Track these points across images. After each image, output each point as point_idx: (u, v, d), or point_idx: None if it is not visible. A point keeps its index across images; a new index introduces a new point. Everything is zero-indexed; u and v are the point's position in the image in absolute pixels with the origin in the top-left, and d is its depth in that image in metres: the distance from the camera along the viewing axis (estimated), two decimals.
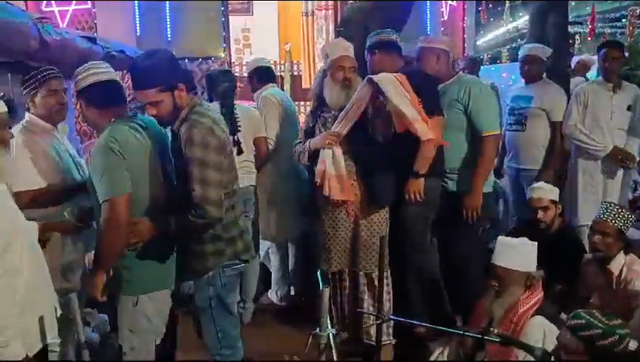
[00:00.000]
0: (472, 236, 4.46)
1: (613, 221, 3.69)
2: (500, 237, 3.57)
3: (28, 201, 3.10)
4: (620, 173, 5.35)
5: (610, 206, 3.80)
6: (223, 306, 3.26)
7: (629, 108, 5.34)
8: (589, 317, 2.48)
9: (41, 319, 2.76)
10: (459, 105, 4.30)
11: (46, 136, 3.44)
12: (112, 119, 3.06)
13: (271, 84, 5.24)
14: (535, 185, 4.59)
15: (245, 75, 6.13)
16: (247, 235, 3.39)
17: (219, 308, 3.25)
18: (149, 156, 3.05)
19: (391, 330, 4.18)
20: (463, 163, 4.38)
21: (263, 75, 5.23)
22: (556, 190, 4.46)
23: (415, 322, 3.69)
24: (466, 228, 4.34)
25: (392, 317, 3.53)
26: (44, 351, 2.86)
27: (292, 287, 5.45)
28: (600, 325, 2.43)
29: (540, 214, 4.39)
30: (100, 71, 3.14)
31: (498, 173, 6.30)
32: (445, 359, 3.69)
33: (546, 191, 4.39)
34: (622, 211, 3.73)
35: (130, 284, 3.11)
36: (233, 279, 3.30)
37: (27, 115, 3.42)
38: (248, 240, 3.38)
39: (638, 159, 5.39)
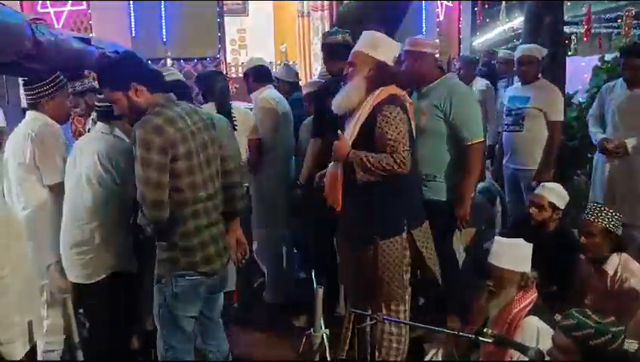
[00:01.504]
0: (447, 241, 4.42)
1: (597, 220, 3.67)
2: (496, 238, 3.58)
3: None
4: None
5: (594, 205, 3.80)
6: (170, 317, 3.12)
7: None
8: (581, 317, 2.47)
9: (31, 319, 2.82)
10: (438, 112, 4.16)
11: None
12: None
13: (268, 86, 5.21)
14: (547, 184, 4.51)
15: (242, 75, 6.10)
16: (212, 247, 3.18)
17: (165, 318, 3.14)
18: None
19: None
20: (442, 170, 4.25)
21: (259, 75, 5.18)
22: (564, 197, 4.37)
23: (410, 322, 3.68)
24: (442, 235, 4.21)
25: (386, 318, 3.50)
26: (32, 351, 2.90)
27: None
28: (592, 324, 2.43)
29: (533, 211, 4.38)
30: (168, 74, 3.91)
31: (496, 174, 6.32)
32: (440, 359, 3.70)
33: (549, 193, 4.33)
34: (605, 210, 3.72)
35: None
36: (187, 291, 3.11)
37: (37, 114, 3.70)
38: (211, 253, 3.17)
39: None
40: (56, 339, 3.60)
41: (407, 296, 3.73)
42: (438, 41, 4.51)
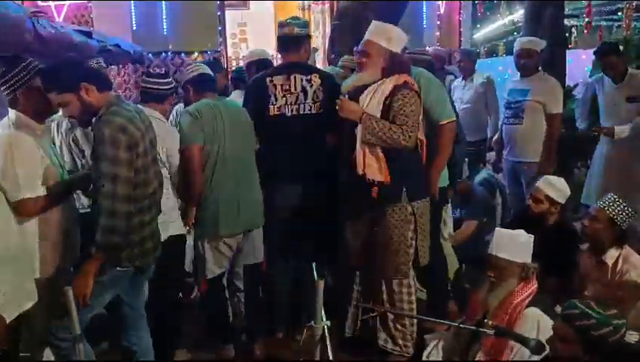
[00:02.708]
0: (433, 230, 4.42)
1: (607, 208, 3.71)
2: (497, 229, 3.60)
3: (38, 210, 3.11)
4: None
5: (610, 196, 3.81)
6: (93, 300, 3.08)
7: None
8: (584, 307, 2.49)
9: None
10: None
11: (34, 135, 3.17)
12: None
13: None
14: (548, 177, 4.49)
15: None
16: (150, 242, 3.29)
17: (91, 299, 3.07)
18: None
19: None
20: None
21: (263, 68, 4.92)
22: (563, 191, 4.35)
23: (410, 314, 3.70)
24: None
25: (388, 309, 3.52)
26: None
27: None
28: (595, 315, 2.45)
29: (531, 203, 4.40)
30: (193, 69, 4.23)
31: (496, 167, 6.33)
32: (440, 351, 3.71)
33: (547, 187, 4.33)
34: (619, 202, 3.74)
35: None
36: (117, 281, 3.22)
37: (13, 115, 3.14)
38: (148, 247, 3.28)
39: None
40: None
41: (411, 273, 3.98)
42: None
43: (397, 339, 3.96)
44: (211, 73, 4.29)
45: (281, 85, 4.16)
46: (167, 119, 4.15)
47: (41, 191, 3.09)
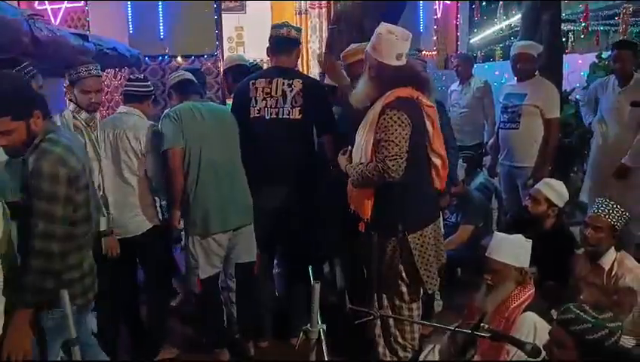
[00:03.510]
0: None
1: (607, 216, 3.71)
2: (495, 232, 3.61)
3: None
4: None
5: (606, 201, 3.81)
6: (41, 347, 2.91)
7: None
8: (578, 312, 2.48)
9: None
10: None
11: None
12: None
13: None
14: (548, 180, 4.53)
15: None
16: (89, 278, 3.06)
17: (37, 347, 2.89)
18: None
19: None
20: None
21: (239, 74, 4.93)
22: (562, 195, 4.37)
23: (408, 319, 3.69)
24: None
25: (383, 314, 3.51)
26: None
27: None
28: (590, 319, 2.44)
29: (528, 203, 4.41)
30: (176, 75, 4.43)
31: (491, 171, 6.33)
32: (436, 355, 3.70)
33: (546, 188, 4.35)
34: (616, 207, 3.74)
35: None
36: (60, 324, 2.81)
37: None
38: (88, 284, 3.05)
39: None
40: None
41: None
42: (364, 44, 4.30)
43: (398, 352, 3.83)
44: (193, 78, 4.45)
45: (263, 88, 4.25)
46: (147, 118, 4.29)
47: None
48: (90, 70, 3.84)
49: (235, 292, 4.40)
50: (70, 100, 3.95)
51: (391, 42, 3.47)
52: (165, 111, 4.35)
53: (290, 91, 4.23)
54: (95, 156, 3.85)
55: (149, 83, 4.30)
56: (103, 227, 3.80)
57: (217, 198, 4.12)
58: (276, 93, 4.24)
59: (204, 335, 4.54)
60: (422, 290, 3.76)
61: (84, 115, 3.85)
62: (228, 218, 4.18)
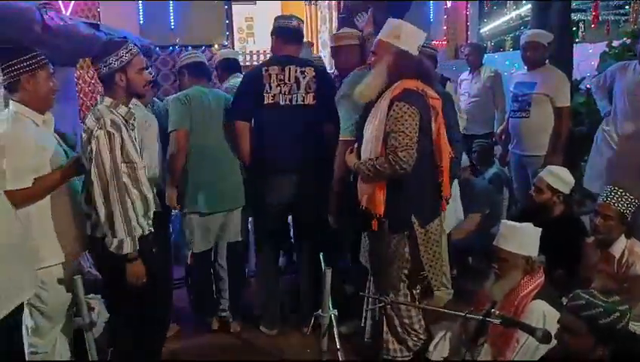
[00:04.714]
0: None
1: (616, 204, 3.71)
2: (503, 221, 3.60)
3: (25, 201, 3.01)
4: None
5: (615, 189, 3.80)
6: None
7: None
8: (588, 297, 2.49)
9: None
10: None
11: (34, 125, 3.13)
12: None
13: (236, 74, 5.12)
14: (550, 167, 4.51)
15: (248, 64, 6.09)
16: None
17: None
18: None
19: None
20: None
21: (227, 66, 5.16)
22: (565, 180, 4.35)
23: (419, 305, 3.70)
24: None
25: (394, 301, 3.52)
26: None
27: None
28: (600, 303, 2.45)
29: (533, 192, 4.42)
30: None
31: (501, 160, 6.32)
32: (448, 342, 3.72)
33: (548, 176, 4.34)
34: (625, 195, 3.74)
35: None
36: None
37: (11, 105, 3.08)
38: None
39: None
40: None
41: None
42: (355, 31, 4.42)
43: (408, 342, 3.80)
44: (205, 60, 4.64)
45: (276, 75, 4.28)
46: (145, 107, 4.31)
47: (29, 183, 2.97)
48: (133, 49, 3.30)
49: (227, 269, 4.72)
50: (103, 95, 3.29)
51: (416, 33, 3.56)
52: (174, 95, 4.47)
53: (304, 78, 4.30)
54: (135, 157, 3.23)
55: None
56: (128, 250, 3.12)
57: (215, 180, 4.40)
58: (289, 80, 4.28)
59: (196, 304, 4.89)
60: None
61: (122, 109, 3.22)
62: (224, 199, 4.48)
